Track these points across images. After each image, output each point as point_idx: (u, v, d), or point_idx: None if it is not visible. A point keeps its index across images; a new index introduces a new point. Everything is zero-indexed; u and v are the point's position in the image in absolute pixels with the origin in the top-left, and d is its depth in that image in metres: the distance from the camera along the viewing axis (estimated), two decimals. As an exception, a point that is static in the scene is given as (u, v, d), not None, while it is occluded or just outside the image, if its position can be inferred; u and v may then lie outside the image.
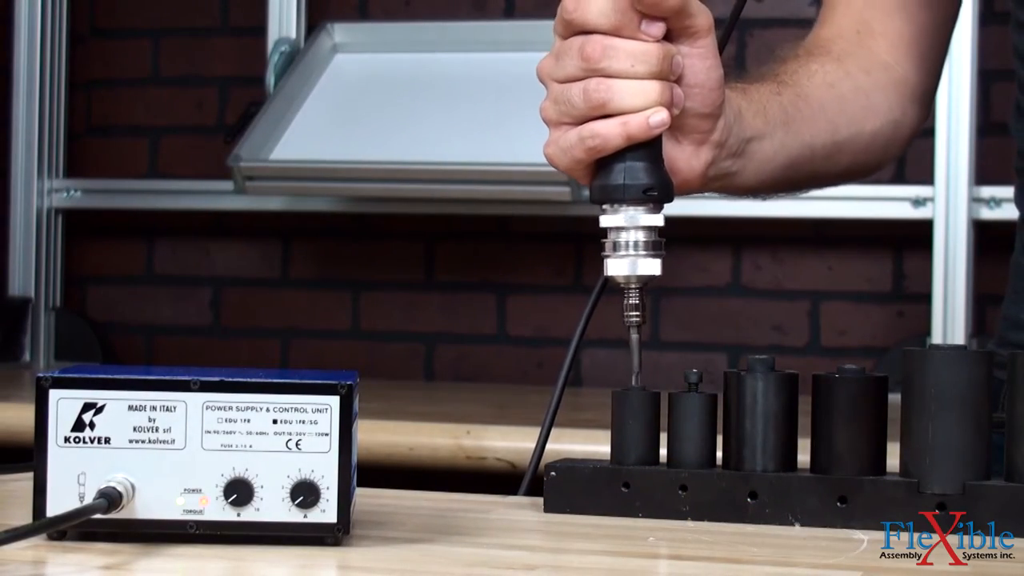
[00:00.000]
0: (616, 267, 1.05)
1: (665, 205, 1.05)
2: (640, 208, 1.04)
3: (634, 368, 1.06)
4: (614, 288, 1.07)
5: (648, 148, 1.04)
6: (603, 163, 1.05)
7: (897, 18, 1.30)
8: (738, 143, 1.13)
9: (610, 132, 1.03)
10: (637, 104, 1.02)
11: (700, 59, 1.06)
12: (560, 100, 1.05)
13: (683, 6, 1.03)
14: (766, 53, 2.40)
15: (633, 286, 1.05)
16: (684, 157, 1.10)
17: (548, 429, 1.14)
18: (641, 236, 1.04)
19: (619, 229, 1.04)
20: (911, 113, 1.30)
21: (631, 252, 1.04)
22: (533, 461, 1.13)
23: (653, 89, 1.02)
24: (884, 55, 1.29)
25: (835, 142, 1.23)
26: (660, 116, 1.03)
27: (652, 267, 1.04)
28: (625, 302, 1.05)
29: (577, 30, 1.03)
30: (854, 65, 1.27)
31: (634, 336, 1.05)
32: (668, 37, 1.04)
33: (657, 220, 1.04)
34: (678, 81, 1.05)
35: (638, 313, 1.05)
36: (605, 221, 1.05)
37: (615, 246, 1.04)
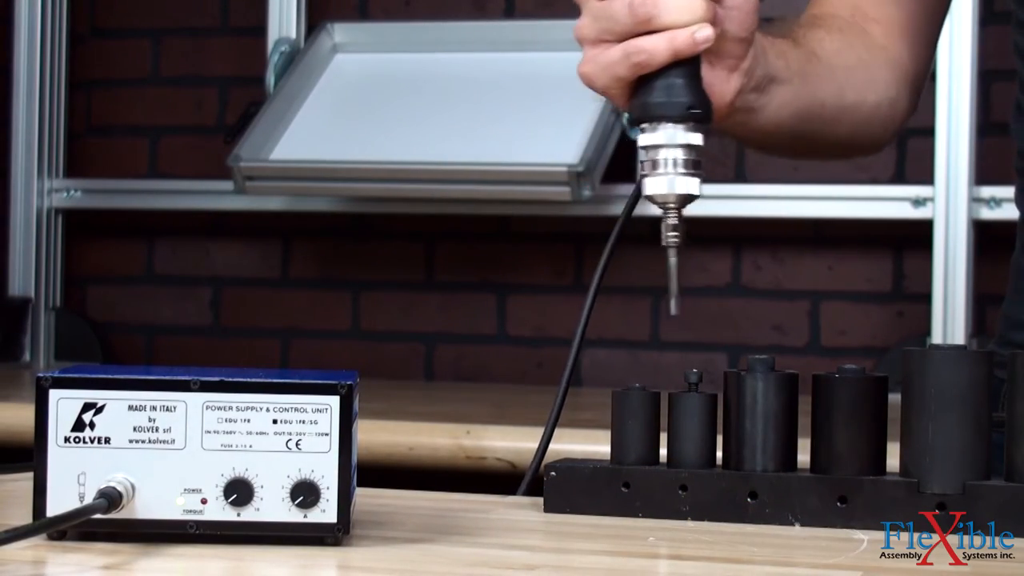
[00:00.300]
0: (654, 185, 1.03)
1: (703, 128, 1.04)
2: (680, 126, 1.03)
3: (672, 291, 1.04)
4: (650, 203, 1.05)
5: (689, 66, 1.03)
6: (643, 82, 1.04)
7: (889, 4, 1.31)
8: (763, 77, 1.13)
9: (656, 47, 1.02)
10: (683, 19, 1.02)
11: None
12: (601, 17, 1.04)
13: None
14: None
15: (672, 205, 1.04)
16: (717, 82, 1.10)
17: (552, 427, 1.13)
18: (680, 154, 1.03)
19: (658, 147, 1.03)
20: (905, 96, 1.31)
21: (670, 170, 1.03)
22: (536, 460, 1.13)
23: (699, 5, 1.02)
24: (879, 38, 1.30)
25: (841, 106, 1.24)
26: (706, 32, 1.02)
27: (691, 186, 1.03)
28: (664, 223, 1.04)
29: None
30: (856, 39, 1.28)
31: (672, 260, 1.04)
32: None
33: (697, 139, 1.03)
34: (718, 2, 1.04)
35: (677, 234, 1.04)
36: (644, 139, 1.03)
37: (654, 165, 1.03)
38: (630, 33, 1.03)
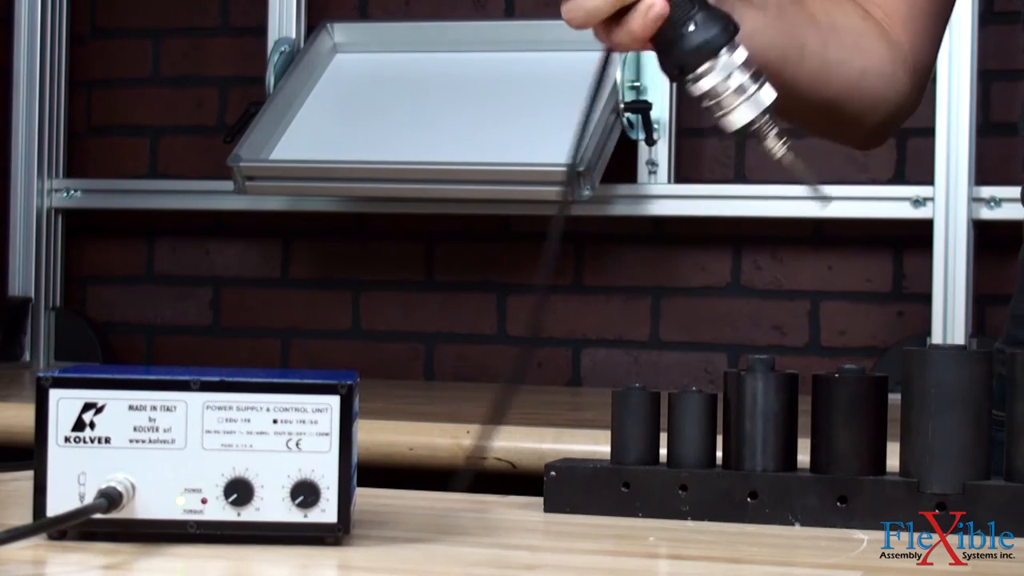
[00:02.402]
0: (744, 114, 1.02)
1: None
2: (725, 52, 1.02)
3: (812, 183, 1.04)
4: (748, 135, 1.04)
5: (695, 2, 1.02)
6: (664, 35, 1.02)
7: None
8: None
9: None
10: None
11: None
12: None
13: None
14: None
15: (767, 119, 1.02)
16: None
17: (498, 421, 1.12)
18: (745, 74, 1.02)
19: (724, 80, 1.01)
20: (903, 79, 1.27)
21: (746, 93, 1.02)
22: (473, 455, 1.12)
23: None
24: (882, 21, 1.28)
25: (824, 59, 1.21)
26: None
27: (769, 93, 1.02)
28: (767, 140, 1.02)
29: None
30: (851, 10, 1.26)
31: (792, 157, 1.02)
32: None
33: (744, 53, 1.02)
34: None
35: (786, 138, 1.02)
36: (706, 83, 1.02)
37: (729, 97, 1.02)
38: None
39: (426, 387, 2.75)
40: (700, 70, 1.02)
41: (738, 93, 1.02)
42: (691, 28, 1.02)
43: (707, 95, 1.02)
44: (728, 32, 1.02)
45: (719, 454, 1.03)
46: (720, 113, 1.03)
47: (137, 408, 0.88)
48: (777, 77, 1.16)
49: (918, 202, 2.50)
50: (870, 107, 1.26)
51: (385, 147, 2.60)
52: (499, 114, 2.61)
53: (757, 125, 1.03)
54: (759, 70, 1.03)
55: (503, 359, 2.76)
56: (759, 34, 1.14)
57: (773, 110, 1.03)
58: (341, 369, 0.99)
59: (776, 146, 1.03)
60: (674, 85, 2.63)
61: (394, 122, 2.65)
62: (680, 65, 1.03)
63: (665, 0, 1.01)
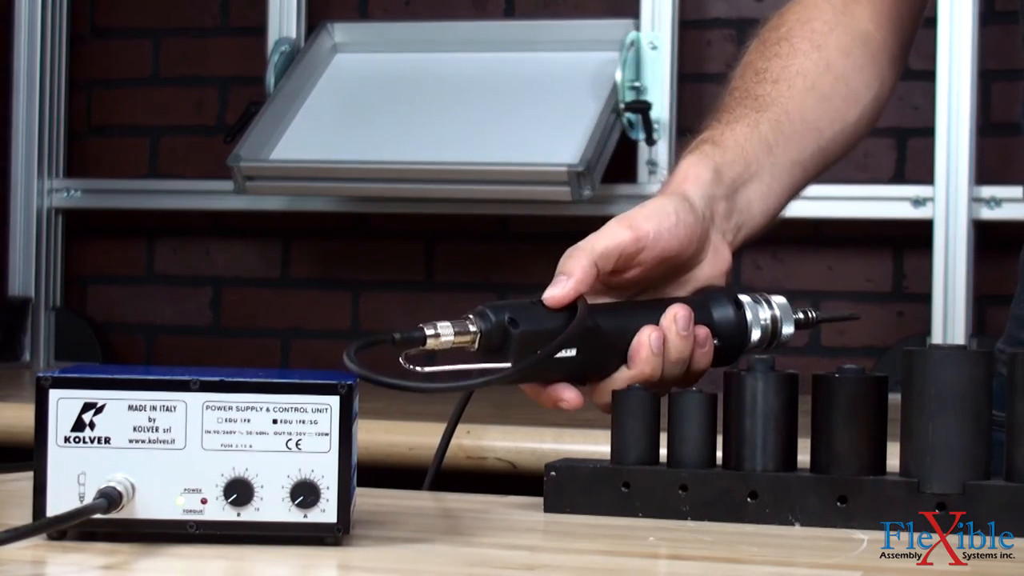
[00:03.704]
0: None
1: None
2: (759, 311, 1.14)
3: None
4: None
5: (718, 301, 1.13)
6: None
7: None
8: (732, 214, 1.17)
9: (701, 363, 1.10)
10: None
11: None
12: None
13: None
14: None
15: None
16: (716, 275, 1.15)
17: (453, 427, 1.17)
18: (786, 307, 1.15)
19: (772, 320, 1.15)
20: (888, 78, 1.32)
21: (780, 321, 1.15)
22: (437, 456, 1.15)
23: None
24: (867, 22, 1.30)
25: (821, 148, 1.26)
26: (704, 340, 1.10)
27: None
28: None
29: None
30: (834, 45, 1.27)
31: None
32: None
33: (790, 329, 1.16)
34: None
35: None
36: (755, 335, 1.14)
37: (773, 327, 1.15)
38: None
39: (426, 387, 2.75)
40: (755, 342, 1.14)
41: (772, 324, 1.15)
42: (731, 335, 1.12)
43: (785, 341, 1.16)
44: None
45: (719, 454, 1.03)
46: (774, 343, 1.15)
47: (137, 408, 0.88)
48: (792, 197, 1.25)
49: (918, 202, 2.50)
50: (866, 130, 1.32)
51: (385, 147, 2.60)
52: (499, 114, 2.61)
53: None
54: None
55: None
56: (767, 197, 1.21)
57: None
58: (341, 369, 0.99)
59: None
60: (674, 85, 2.64)
61: (394, 122, 2.65)
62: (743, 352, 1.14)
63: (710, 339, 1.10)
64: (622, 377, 1.06)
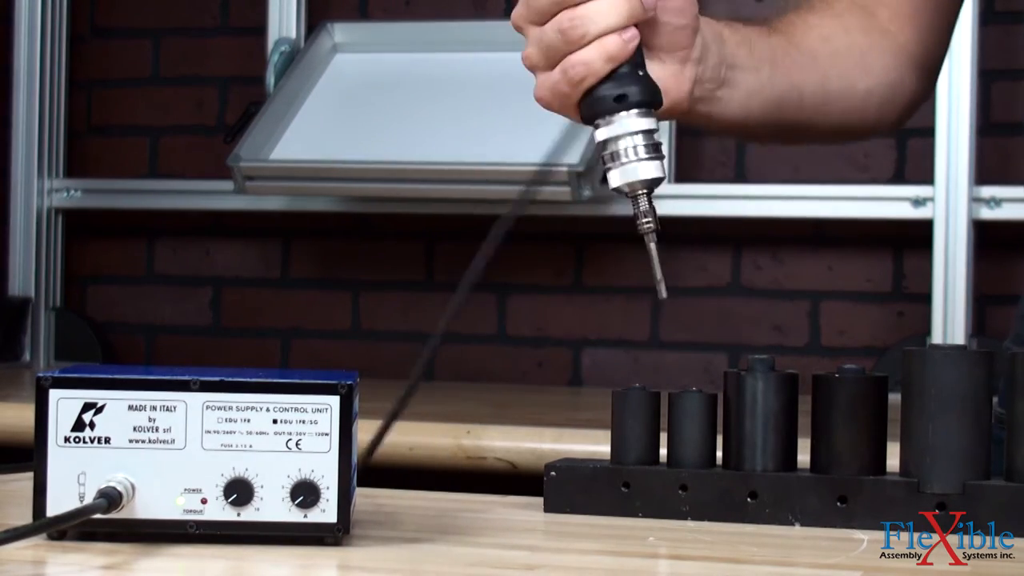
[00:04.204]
0: (618, 177, 1.03)
1: (656, 110, 1.05)
2: (632, 112, 1.03)
3: (656, 277, 1.04)
4: (621, 195, 1.05)
5: (628, 63, 1.03)
6: (591, 89, 1.04)
7: None
8: (720, 65, 1.12)
9: (591, 59, 1.03)
10: (612, 23, 1.02)
11: None
12: (540, 43, 1.04)
13: None
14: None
15: (640, 192, 1.03)
16: (669, 75, 1.09)
17: (394, 417, 1.14)
18: (639, 140, 1.03)
19: (615, 139, 1.03)
20: (910, 79, 1.29)
21: (631, 158, 1.03)
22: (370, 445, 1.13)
23: (623, 6, 1.02)
24: (886, 23, 1.28)
25: (825, 91, 1.23)
26: (630, 32, 1.03)
27: (654, 169, 1.03)
28: (635, 211, 1.03)
29: None
30: (854, 24, 1.26)
31: (651, 244, 1.03)
32: None
33: (650, 123, 1.03)
34: None
35: (650, 219, 1.03)
36: (601, 134, 1.03)
37: (613, 157, 1.03)
38: (569, 52, 1.03)
39: (426, 387, 2.75)
40: (598, 120, 1.04)
41: (626, 155, 1.03)
42: (609, 82, 1.03)
43: (602, 144, 1.04)
44: (636, 97, 1.03)
45: (719, 454, 1.03)
46: (605, 167, 1.04)
47: (137, 408, 0.88)
48: (780, 127, 1.19)
49: (918, 202, 2.49)
50: (876, 118, 1.28)
51: (385, 147, 2.60)
52: (499, 114, 2.61)
53: (633, 193, 1.03)
54: (659, 145, 1.04)
55: (503, 359, 2.76)
56: (755, 95, 1.17)
57: (651, 186, 1.03)
58: (341, 369, 0.99)
59: (643, 223, 1.03)
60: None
61: (394, 122, 2.65)
62: (585, 111, 1.04)
63: (622, 42, 1.02)
64: None
